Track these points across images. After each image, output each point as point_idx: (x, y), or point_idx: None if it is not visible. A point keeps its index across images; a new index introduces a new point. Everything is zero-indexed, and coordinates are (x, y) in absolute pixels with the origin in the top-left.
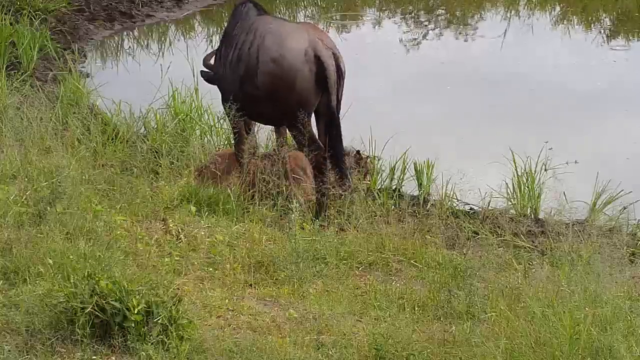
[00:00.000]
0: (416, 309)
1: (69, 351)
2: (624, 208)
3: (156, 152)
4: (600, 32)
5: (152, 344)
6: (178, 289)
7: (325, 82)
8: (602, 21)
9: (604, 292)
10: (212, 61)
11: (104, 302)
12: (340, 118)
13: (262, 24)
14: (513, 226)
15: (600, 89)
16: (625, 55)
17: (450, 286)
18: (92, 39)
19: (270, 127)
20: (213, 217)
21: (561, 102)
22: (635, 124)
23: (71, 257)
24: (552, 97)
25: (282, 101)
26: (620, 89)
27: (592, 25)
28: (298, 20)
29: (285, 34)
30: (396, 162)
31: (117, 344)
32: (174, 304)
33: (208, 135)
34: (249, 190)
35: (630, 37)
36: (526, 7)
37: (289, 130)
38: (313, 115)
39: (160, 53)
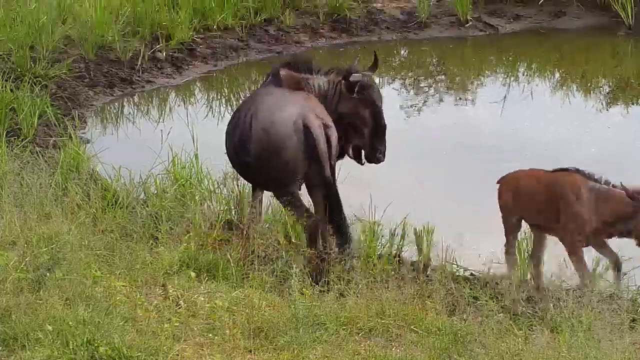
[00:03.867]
0: None
1: None
2: (624, 274)
3: (156, 217)
4: (599, 98)
5: None
6: (177, 355)
7: (315, 152)
8: (601, 88)
9: (604, 358)
10: None
11: None
12: (338, 185)
13: (262, 92)
14: (513, 292)
15: (597, 154)
16: (623, 121)
17: (451, 352)
18: (92, 105)
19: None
20: (213, 282)
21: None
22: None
23: (70, 323)
24: (551, 162)
25: (270, 170)
26: (616, 155)
27: (591, 91)
28: None
29: (278, 104)
30: (396, 228)
31: None
32: None
33: (208, 201)
34: (249, 255)
35: (630, 104)
36: (525, 74)
37: (278, 200)
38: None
39: (161, 119)
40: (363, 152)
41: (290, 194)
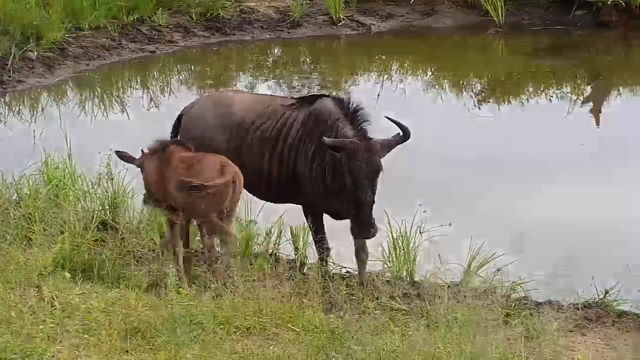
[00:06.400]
0: None
1: None
2: (498, 270)
3: (29, 218)
4: (470, 96)
5: None
6: (53, 356)
7: None
8: (472, 86)
9: (479, 353)
10: None
11: None
12: None
13: None
14: (389, 289)
15: (471, 152)
16: (492, 120)
17: (328, 349)
18: None
19: None
20: (88, 283)
21: (433, 165)
22: (504, 185)
23: None
24: (424, 161)
25: None
26: (489, 152)
27: (464, 89)
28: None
29: None
30: (272, 226)
31: None
32: None
33: (82, 201)
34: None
35: (500, 102)
36: (398, 72)
37: None
38: None
39: (33, 119)
40: None
41: None
